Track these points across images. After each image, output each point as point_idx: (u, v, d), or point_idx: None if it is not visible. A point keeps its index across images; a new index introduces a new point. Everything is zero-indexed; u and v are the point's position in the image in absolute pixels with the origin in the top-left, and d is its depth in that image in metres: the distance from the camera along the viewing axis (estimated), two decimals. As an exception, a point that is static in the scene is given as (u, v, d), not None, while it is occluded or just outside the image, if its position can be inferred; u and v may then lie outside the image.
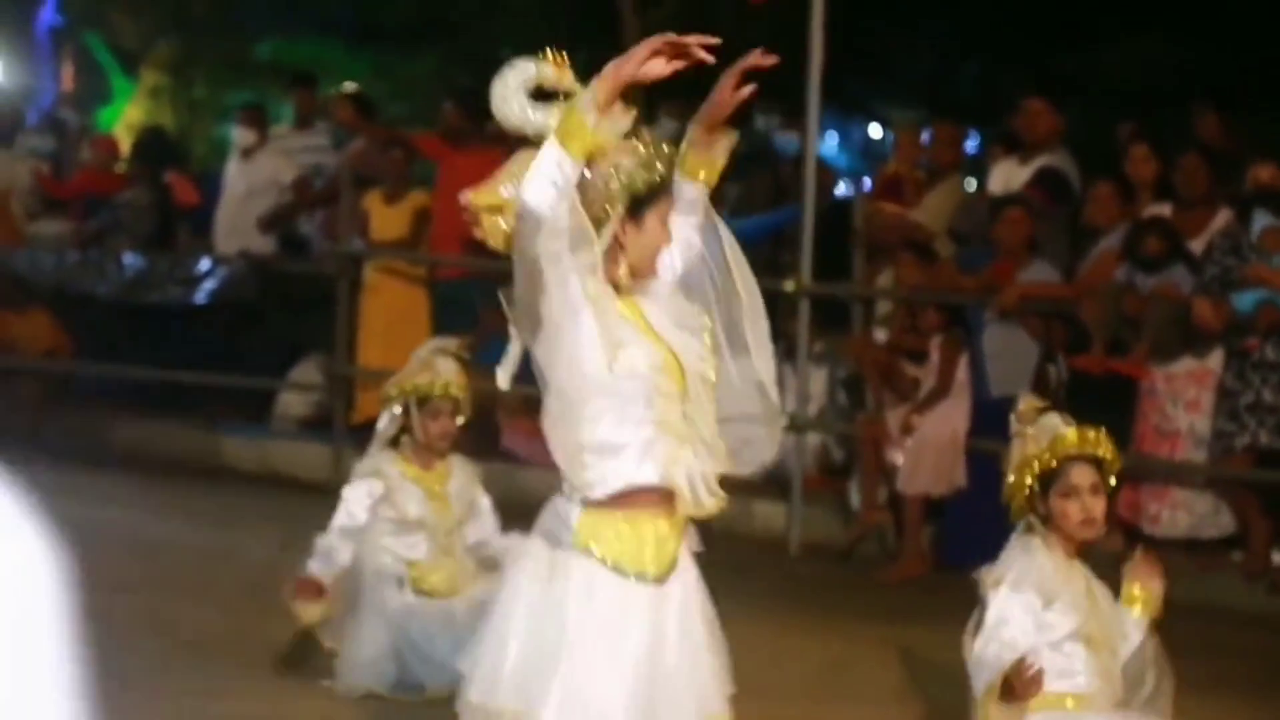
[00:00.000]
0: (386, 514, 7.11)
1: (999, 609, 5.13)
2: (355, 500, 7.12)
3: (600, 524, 4.02)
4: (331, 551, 7.06)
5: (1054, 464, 5.19)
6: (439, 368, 7.11)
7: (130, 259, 12.65)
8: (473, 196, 4.06)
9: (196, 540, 9.64)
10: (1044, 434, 5.25)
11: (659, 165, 4.04)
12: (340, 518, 7.11)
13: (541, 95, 4.08)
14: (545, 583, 4.03)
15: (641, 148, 4.04)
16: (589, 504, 4.03)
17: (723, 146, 4.24)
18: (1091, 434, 5.23)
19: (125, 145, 15.05)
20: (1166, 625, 5.57)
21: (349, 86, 14.36)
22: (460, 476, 7.17)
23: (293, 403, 12.51)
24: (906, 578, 9.70)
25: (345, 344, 11.69)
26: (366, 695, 6.99)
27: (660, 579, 4.07)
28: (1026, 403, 5.41)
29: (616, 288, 4.07)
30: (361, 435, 11.59)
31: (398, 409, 7.13)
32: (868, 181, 12.14)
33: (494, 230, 4.06)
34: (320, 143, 13.43)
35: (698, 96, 4.24)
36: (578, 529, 4.02)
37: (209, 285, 12.55)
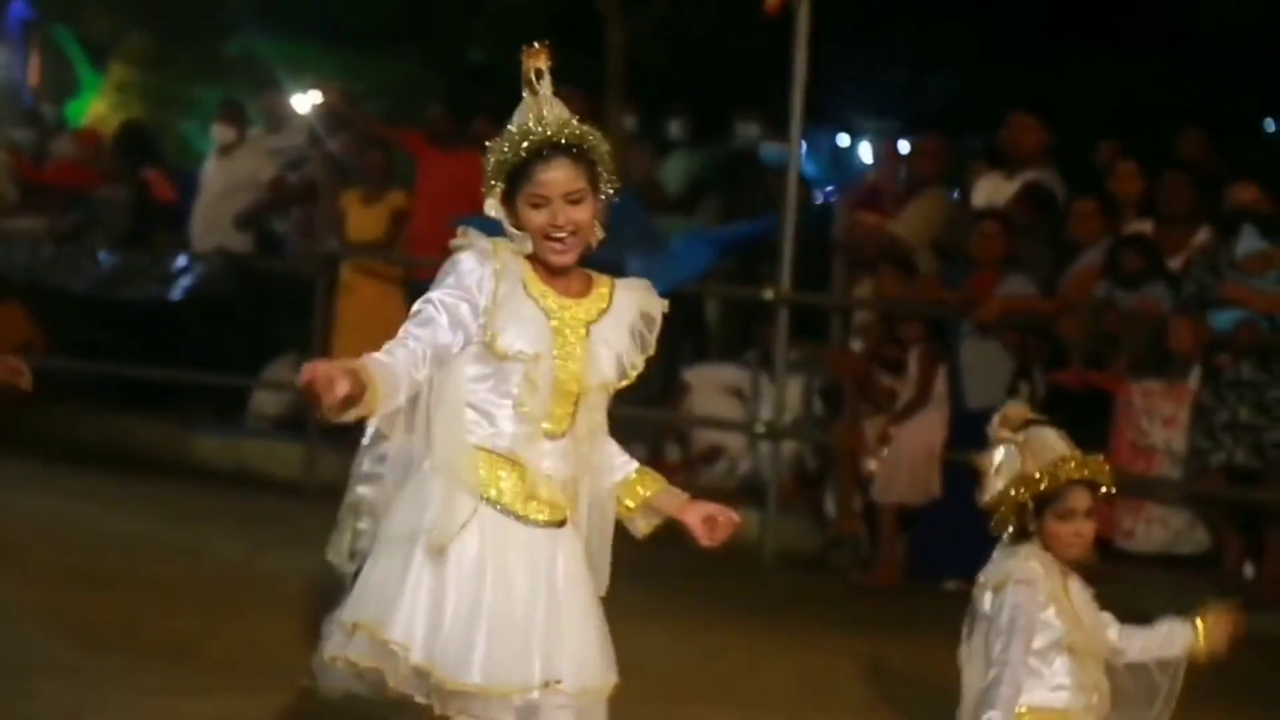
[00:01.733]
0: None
1: (1018, 604, 5.07)
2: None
3: (485, 461, 4.22)
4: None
5: (1053, 486, 5.17)
6: None
7: (106, 255, 12.60)
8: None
9: (169, 537, 9.61)
10: (1044, 452, 5.20)
11: (513, 144, 4.20)
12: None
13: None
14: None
15: (511, 129, 4.23)
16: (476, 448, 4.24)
17: (651, 526, 4.48)
18: (1093, 460, 5.22)
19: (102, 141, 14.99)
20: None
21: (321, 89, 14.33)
22: None
23: (267, 401, 12.49)
24: (880, 586, 9.72)
25: (321, 343, 11.67)
26: (346, 694, 6.96)
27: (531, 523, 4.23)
28: (1014, 409, 5.38)
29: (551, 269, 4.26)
30: (334, 435, 11.61)
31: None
32: (829, 190, 12.15)
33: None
34: (295, 143, 13.41)
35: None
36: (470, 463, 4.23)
37: (185, 282, 12.53)
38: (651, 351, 4.39)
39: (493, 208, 4.27)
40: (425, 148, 11.96)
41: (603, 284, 4.37)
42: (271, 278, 12.75)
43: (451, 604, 4.13)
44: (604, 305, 4.33)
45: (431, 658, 4.11)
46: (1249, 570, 9.32)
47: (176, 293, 12.52)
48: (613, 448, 4.46)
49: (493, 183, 4.24)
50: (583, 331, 4.27)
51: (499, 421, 4.22)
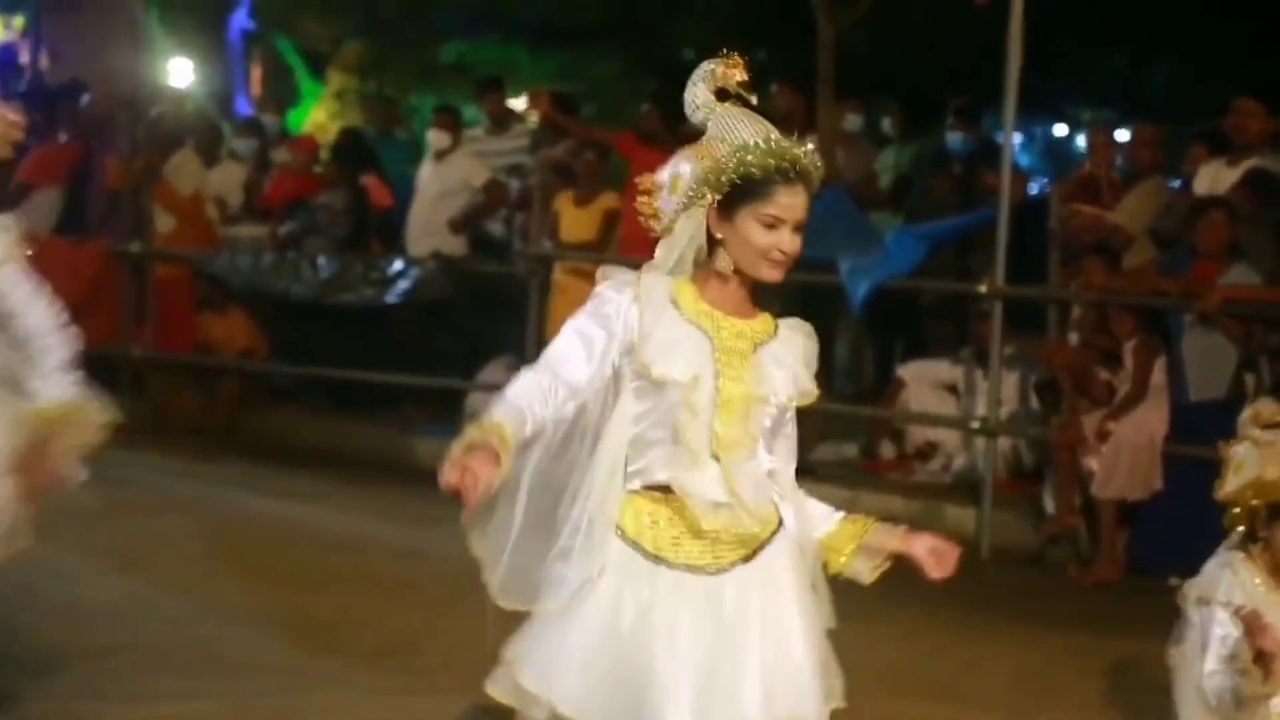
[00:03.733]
0: None
1: (1210, 627, 5.00)
2: None
3: (632, 506, 4.15)
4: None
5: None
6: None
7: (324, 261, 12.81)
8: (641, 179, 4.24)
9: (390, 539, 9.72)
10: None
11: (755, 165, 4.09)
12: None
13: (721, 94, 4.22)
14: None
15: (746, 144, 4.11)
16: (630, 491, 4.18)
17: (878, 565, 4.33)
18: None
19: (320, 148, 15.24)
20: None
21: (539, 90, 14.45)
22: None
23: (483, 403, 12.60)
24: (1100, 582, 9.59)
25: (535, 345, 11.76)
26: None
27: (686, 568, 4.12)
28: (1268, 406, 5.25)
29: (720, 278, 4.17)
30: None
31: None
32: (1044, 182, 12.00)
33: (643, 209, 4.24)
34: (518, 145, 13.54)
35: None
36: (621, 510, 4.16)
37: (401, 286, 12.67)
38: (816, 394, 4.27)
39: (689, 216, 4.15)
40: (637, 148, 12.00)
41: (767, 317, 4.26)
42: (486, 280, 12.87)
43: (602, 659, 4.07)
44: (771, 331, 4.23)
45: (575, 712, 4.07)
46: None
47: (393, 296, 12.68)
48: (812, 503, 4.36)
49: (701, 191, 4.12)
50: (748, 349, 4.17)
51: (659, 453, 4.13)
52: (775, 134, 4.13)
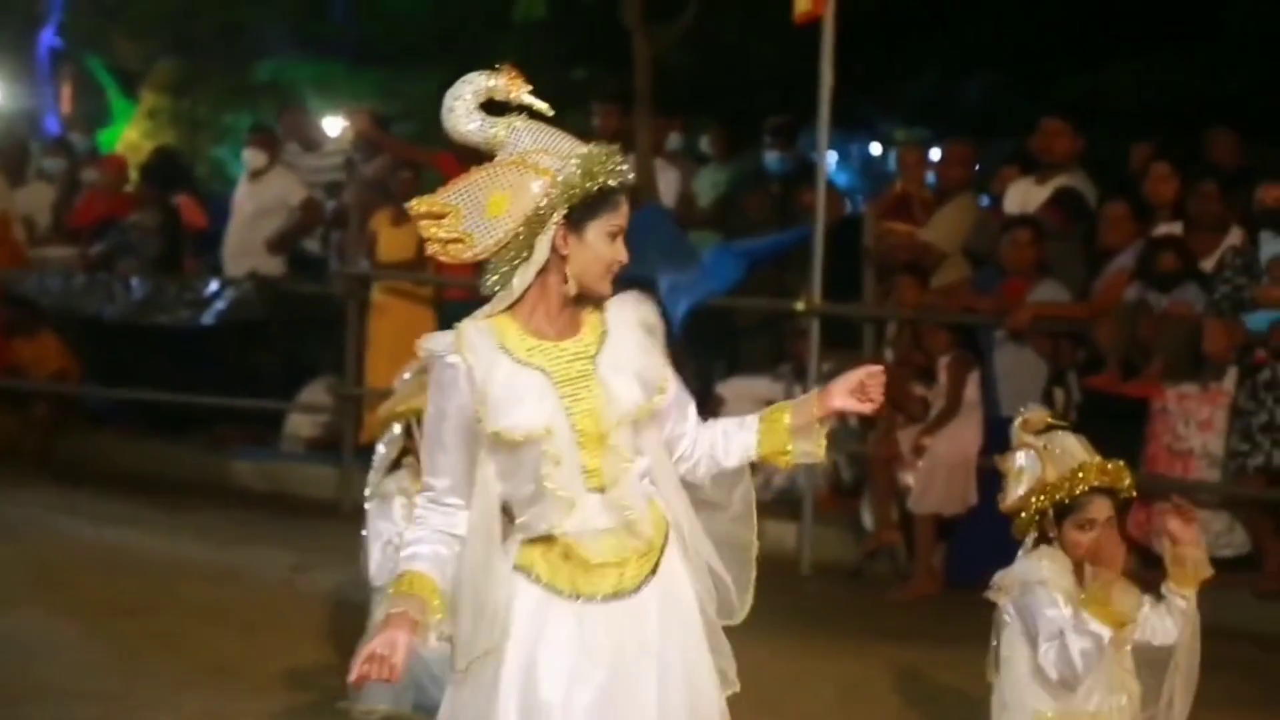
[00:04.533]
0: (394, 540, 7.04)
1: (1038, 606, 5.06)
2: (377, 535, 7.03)
3: (533, 552, 4.09)
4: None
5: (1074, 495, 5.14)
6: None
7: (138, 281, 12.64)
8: (416, 203, 4.05)
9: (207, 561, 9.64)
10: (1065, 459, 5.18)
11: (602, 174, 3.97)
12: (372, 554, 7.03)
13: (493, 108, 4.08)
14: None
15: (586, 158, 3.98)
16: (524, 541, 4.11)
17: (818, 436, 4.26)
18: (1112, 466, 5.19)
19: (129, 167, 15.05)
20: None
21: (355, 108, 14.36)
22: None
23: (301, 424, 12.52)
24: (918, 597, 9.70)
25: (354, 365, 11.70)
26: (385, 717, 6.98)
27: (601, 597, 4.07)
28: (1036, 414, 5.36)
29: (545, 301, 4.06)
30: (369, 455, 11.62)
31: (397, 433, 7.09)
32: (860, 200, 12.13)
33: (435, 235, 4.04)
34: (332, 163, 13.45)
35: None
36: (517, 558, 4.10)
37: (217, 307, 12.53)
38: (668, 379, 4.18)
39: (544, 235, 3.99)
40: (456, 166, 11.98)
41: (590, 311, 4.14)
42: (303, 300, 12.77)
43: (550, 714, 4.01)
44: (601, 329, 4.11)
45: None
46: (1290, 572, 9.27)
47: (209, 318, 12.54)
48: (722, 427, 4.27)
49: (554, 206, 3.96)
50: (588, 368, 4.06)
51: (534, 508, 4.06)
52: (587, 145, 4.04)
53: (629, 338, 4.13)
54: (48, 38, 22.05)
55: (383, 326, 11.86)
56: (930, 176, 11.60)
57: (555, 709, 3.99)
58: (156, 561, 9.58)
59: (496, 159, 4.05)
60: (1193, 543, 5.19)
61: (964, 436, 9.81)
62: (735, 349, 12.37)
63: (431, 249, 4.03)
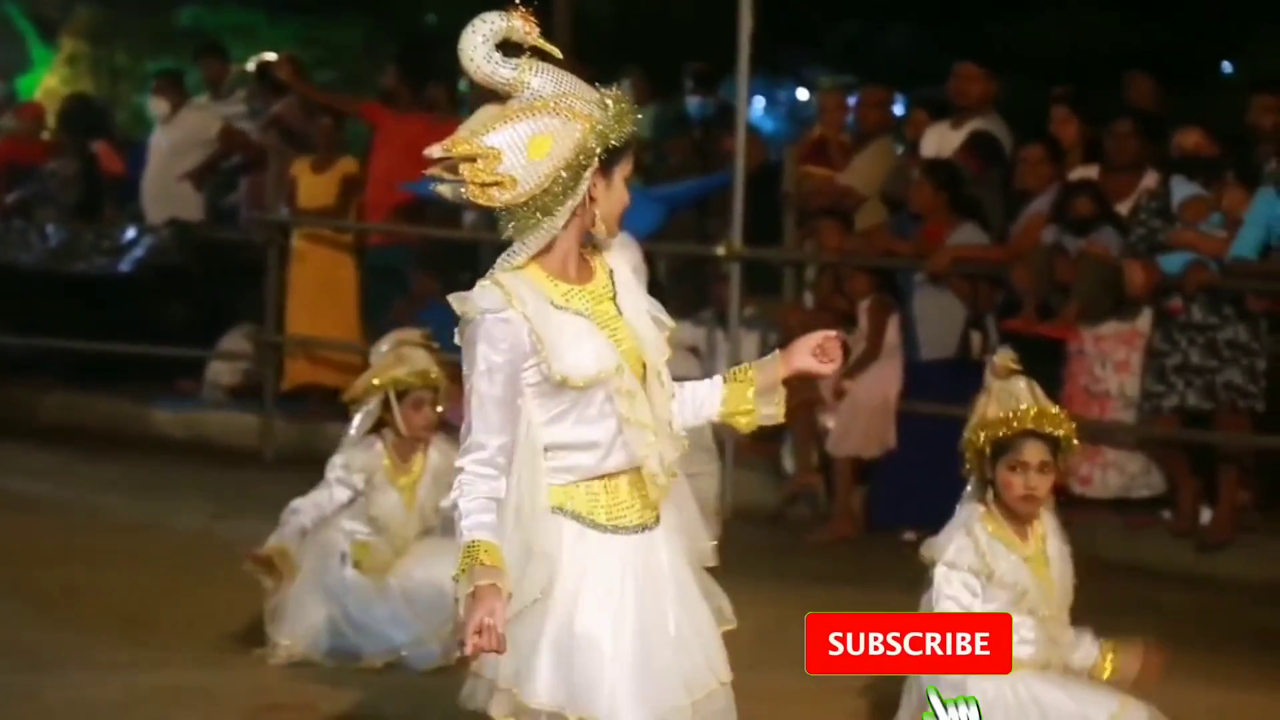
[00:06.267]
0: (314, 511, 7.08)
1: (939, 588, 5.17)
2: (337, 495, 7.07)
3: (567, 491, 4.09)
4: (298, 528, 7.03)
5: (1008, 435, 5.19)
6: (413, 358, 7.08)
7: (54, 229, 12.54)
8: (448, 145, 3.96)
9: (127, 511, 9.60)
10: (1007, 401, 5.23)
11: (630, 120, 4.00)
12: (320, 501, 7.05)
13: (508, 49, 3.99)
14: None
15: (613, 103, 3.99)
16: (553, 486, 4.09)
17: (780, 397, 4.29)
18: (1053, 411, 5.24)
19: (48, 114, 14.91)
20: (1097, 584, 5.63)
21: (271, 55, 14.25)
22: (442, 459, 7.04)
23: (222, 372, 12.46)
24: (837, 539, 9.74)
25: (274, 312, 11.65)
26: (300, 663, 6.98)
27: (641, 528, 4.12)
28: (1003, 358, 5.39)
29: (562, 247, 4.04)
30: (290, 404, 11.63)
31: (374, 404, 7.09)
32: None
33: (475, 178, 3.95)
34: (237, 110, 13.34)
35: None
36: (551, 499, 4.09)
37: (135, 254, 12.45)
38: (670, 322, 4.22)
39: (583, 179, 3.95)
40: (383, 115, 11.91)
41: (591, 253, 4.15)
42: (223, 248, 12.70)
43: (591, 652, 4.02)
44: (607, 269, 4.15)
45: (581, 710, 4.01)
46: (1205, 513, 9.35)
47: (127, 265, 12.45)
48: (691, 388, 4.29)
49: (590, 154, 3.95)
50: (612, 309, 4.10)
51: (599, 445, 4.06)
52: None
53: (630, 278, 4.19)
54: (-36, -16, 21.81)
55: (303, 273, 11.81)
56: (850, 121, 11.61)
57: (601, 640, 4.03)
58: (74, 511, 9.53)
59: (516, 101, 3.98)
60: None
61: (884, 379, 9.85)
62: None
63: (470, 192, 3.95)
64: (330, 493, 7.10)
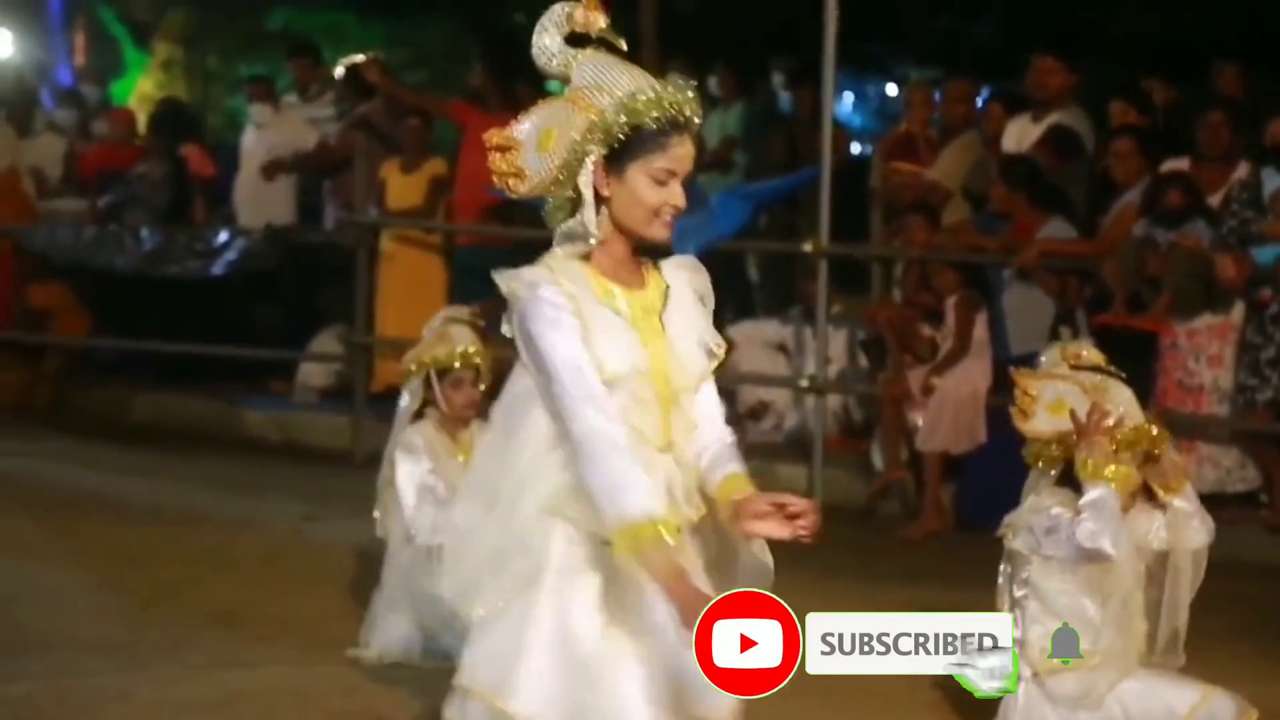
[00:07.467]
0: (430, 485, 6.98)
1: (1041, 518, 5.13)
2: (410, 479, 6.98)
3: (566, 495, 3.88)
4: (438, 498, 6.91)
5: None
6: (455, 337, 7.04)
7: (147, 232, 12.65)
8: (490, 135, 3.91)
9: (218, 512, 9.65)
10: (1119, 408, 5.21)
11: (646, 113, 3.80)
12: (414, 474, 6.95)
13: (575, 39, 3.92)
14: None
15: (633, 91, 3.81)
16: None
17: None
18: (1147, 431, 5.24)
19: (140, 118, 15.05)
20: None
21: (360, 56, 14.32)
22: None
23: (313, 373, 12.53)
24: (927, 534, 9.70)
25: (364, 313, 11.70)
26: (393, 664, 6.99)
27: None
28: (1079, 348, 5.38)
29: (606, 246, 3.91)
30: (381, 404, 11.67)
31: (417, 383, 7.07)
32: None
33: (498, 168, 3.89)
34: (326, 113, 13.41)
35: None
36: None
37: (227, 257, 12.54)
38: (723, 347, 4.03)
39: (583, 175, 3.82)
40: (471, 113, 11.92)
41: (650, 267, 3.97)
42: (313, 249, 12.77)
43: (585, 661, 3.84)
44: (664, 288, 3.97)
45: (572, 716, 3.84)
46: (1301, 507, 9.27)
47: (220, 268, 12.55)
48: (713, 448, 4.03)
49: (586, 146, 3.81)
50: (657, 324, 3.93)
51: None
52: (656, 80, 3.84)
53: (688, 298, 4.00)
54: (59, -10, 22.08)
55: (392, 275, 11.87)
56: (936, 116, 11.55)
57: (590, 641, 3.85)
58: (167, 512, 9.59)
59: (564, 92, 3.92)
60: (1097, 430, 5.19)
61: (972, 375, 9.80)
62: (745, 292, 12.36)
63: (497, 182, 3.90)
64: (419, 464, 6.97)
